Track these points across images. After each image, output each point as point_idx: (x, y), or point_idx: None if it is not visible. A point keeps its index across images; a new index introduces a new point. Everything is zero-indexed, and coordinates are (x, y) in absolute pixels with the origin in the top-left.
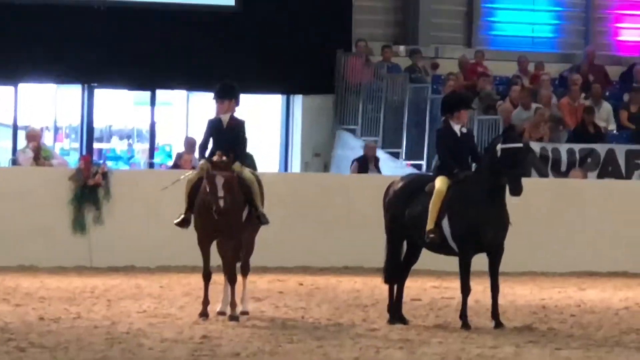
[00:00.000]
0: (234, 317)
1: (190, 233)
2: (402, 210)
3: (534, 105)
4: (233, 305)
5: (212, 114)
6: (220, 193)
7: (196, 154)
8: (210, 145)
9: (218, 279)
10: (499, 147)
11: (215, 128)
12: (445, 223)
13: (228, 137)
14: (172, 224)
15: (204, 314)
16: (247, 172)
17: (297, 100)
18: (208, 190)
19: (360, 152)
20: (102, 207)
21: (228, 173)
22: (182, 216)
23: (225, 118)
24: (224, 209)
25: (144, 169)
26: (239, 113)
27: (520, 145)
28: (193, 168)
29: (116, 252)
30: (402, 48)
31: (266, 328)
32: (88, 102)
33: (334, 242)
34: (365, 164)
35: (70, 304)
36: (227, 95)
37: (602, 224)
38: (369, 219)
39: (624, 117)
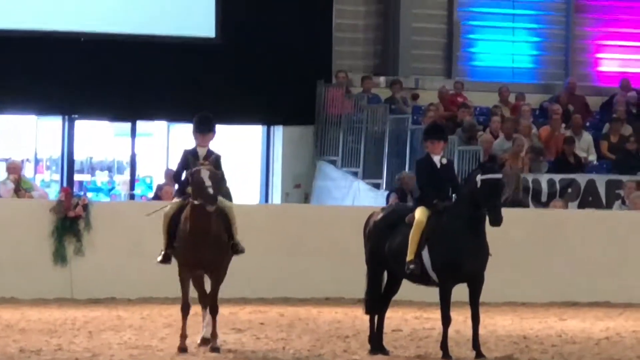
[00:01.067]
0: (215, 348)
1: (171, 264)
2: (383, 241)
3: (515, 136)
4: (214, 335)
5: (192, 145)
6: (208, 182)
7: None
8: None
9: (198, 310)
10: (479, 178)
11: (191, 160)
12: (425, 254)
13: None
14: (153, 255)
15: (183, 349)
16: (224, 201)
17: (278, 131)
18: (191, 187)
19: (341, 183)
20: (83, 239)
21: (212, 167)
22: (163, 252)
23: (202, 151)
24: (214, 197)
25: (125, 201)
26: (219, 143)
27: (500, 176)
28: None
29: (97, 283)
30: (382, 79)
31: (247, 359)
32: (68, 134)
33: (315, 273)
34: (404, 194)
35: (51, 335)
36: (209, 129)
37: (582, 254)
38: (349, 250)
39: (604, 148)
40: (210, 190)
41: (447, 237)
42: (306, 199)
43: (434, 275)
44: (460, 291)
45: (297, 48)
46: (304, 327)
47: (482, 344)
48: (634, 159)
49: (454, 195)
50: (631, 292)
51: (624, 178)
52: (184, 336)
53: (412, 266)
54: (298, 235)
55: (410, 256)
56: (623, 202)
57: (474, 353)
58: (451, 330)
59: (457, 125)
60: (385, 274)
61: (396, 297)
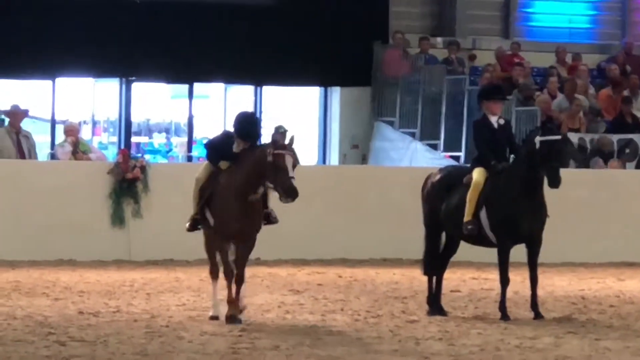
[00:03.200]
0: (234, 319)
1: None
2: (440, 202)
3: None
4: (236, 306)
5: (249, 106)
6: (292, 172)
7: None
8: None
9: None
10: (538, 139)
11: (227, 144)
12: (483, 215)
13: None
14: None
15: (233, 317)
16: None
17: (335, 93)
18: (270, 169)
19: (398, 144)
20: (141, 201)
21: (294, 153)
22: (193, 219)
23: (237, 148)
24: (296, 192)
25: (182, 163)
26: (277, 105)
27: (559, 137)
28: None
29: (155, 245)
30: (439, 40)
31: (305, 320)
32: (126, 96)
33: (373, 234)
34: None
35: (110, 297)
36: (255, 137)
37: None
38: (407, 211)
39: None
40: (293, 183)
41: (505, 198)
42: (364, 159)
43: (491, 236)
44: (519, 252)
45: (354, 9)
46: (362, 288)
47: (540, 305)
48: None
49: (511, 156)
50: None
51: None
52: (231, 301)
53: (469, 227)
54: (355, 196)
55: (468, 217)
56: None
57: (532, 314)
58: (509, 291)
59: (514, 86)
60: (443, 234)
61: (454, 258)
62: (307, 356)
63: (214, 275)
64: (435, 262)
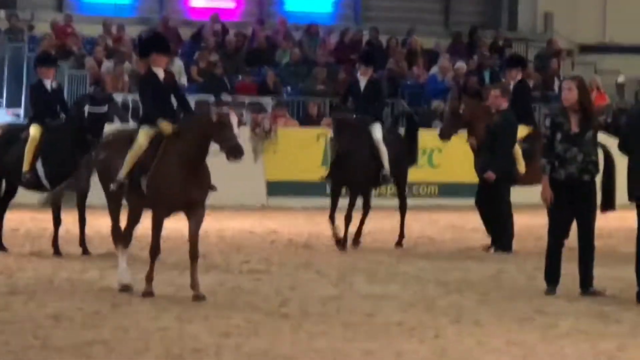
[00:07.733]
0: (200, 297)
1: None
2: (2, 153)
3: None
4: (196, 285)
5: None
6: (237, 130)
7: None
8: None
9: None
10: (87, 109)
11: (153, 85)
12: (39, 165)
13: (169, 94)
14: None
15: (149, 293)
16: None
17: None
18: (218, 130)
19: None
20: None
21: (237, 111)
22: (122, 181)
23: (160, 73)
24: (242, 151)
25: None
26: None
27: (105, 110)
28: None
29: None
30: (1, 12)
31: None
32: None
33: None
34: None
35: None
36: (168, 49)
37: None
38: None
39: (194, 72)
40: (239, 142)
41: (58, 151)
42: None
43: (46, 183)
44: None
45: None
46: None
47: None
48: (219, 82)
49: (62, 115)
50: None
51: (211, 99)
52: (151, 279)
53: (27, 176)
54: None
55: (26, 167)
56: None
57: (81, 250)
58: (62, 230)
59: (68, 53)
60: (4, 181)
61: (16, 200)
62: None
63: (122, 242)
64: None
